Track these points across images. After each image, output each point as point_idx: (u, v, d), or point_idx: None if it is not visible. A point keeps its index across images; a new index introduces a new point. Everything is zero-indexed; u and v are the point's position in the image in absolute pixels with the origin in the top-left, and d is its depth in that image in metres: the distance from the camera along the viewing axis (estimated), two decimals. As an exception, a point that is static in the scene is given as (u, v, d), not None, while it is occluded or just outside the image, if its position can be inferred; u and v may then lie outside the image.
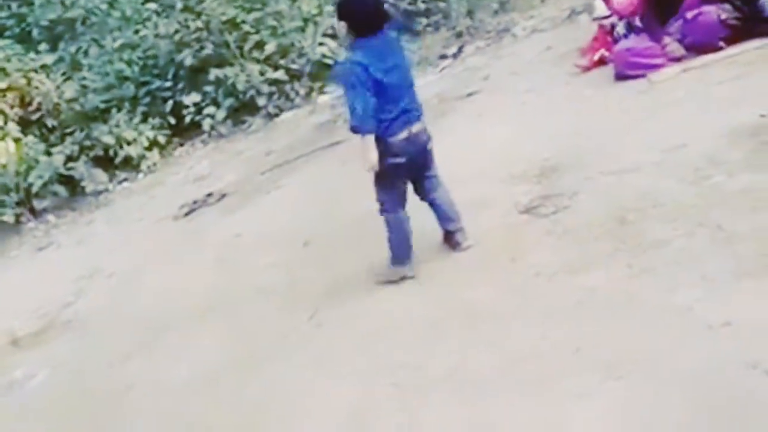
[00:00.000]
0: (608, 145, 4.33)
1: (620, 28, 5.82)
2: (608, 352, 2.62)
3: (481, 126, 5.70)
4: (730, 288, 2.69)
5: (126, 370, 4.10)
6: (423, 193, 3.78)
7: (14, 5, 11.25)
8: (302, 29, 9.12)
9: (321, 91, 9.20)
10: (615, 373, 2.49)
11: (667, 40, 5.23)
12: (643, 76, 5.18)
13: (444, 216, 3.80)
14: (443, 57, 8.66)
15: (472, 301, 3.34)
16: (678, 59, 5.16)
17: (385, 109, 3.35)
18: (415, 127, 3.49)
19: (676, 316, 2.65)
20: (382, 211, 3.72)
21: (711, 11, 5.02)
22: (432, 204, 3.80)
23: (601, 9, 6.07)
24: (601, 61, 5.85)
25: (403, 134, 3.44)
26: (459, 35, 9.06)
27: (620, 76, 5.36)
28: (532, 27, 8.38)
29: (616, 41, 5.75)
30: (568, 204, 3.85)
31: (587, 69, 5.94)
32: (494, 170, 4.62)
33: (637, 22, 5.66)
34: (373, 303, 3.71)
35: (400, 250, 3.75)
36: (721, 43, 5.02)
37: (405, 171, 3.59)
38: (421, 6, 10.03)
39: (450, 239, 3.85)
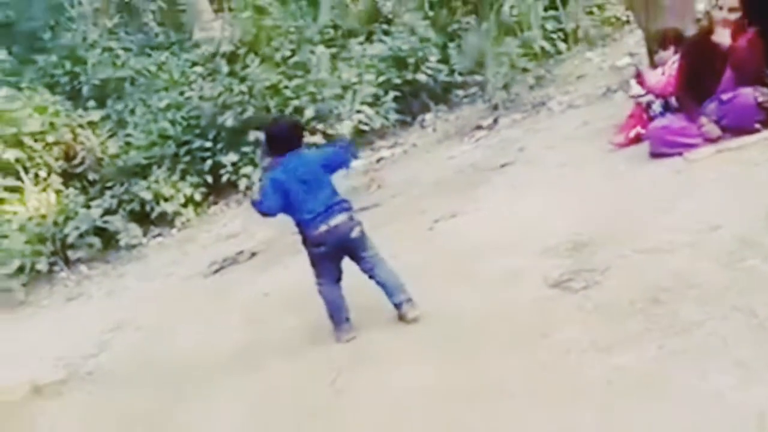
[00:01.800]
0: (642, 223, 4.28)
1: (656, 107, 5.85)
2: (637, 437, 2.52)
3: (514, 198, 5.70)
4: (764, 375, 2.59)
5: (146, 427, 4.06)
6: (364, 271, 4.19)
7: (68, 64, 11.75)
8: (341, 96, 9.34)
9: (355, 156, 9.34)
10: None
11: (703, 120, 5.23)
12: (678, 154, 5.16)
13: (387, 291, 4.14)
14: (479, 128, 8.76)
15: (500, 376, 3.26)
16: (714, 140, 5.14)
17: (304, 210, 4.02)
18: (335, 220, 4.03)
19: (707, 402, 2.55)
20: (318, 284, 4.27)
21: (748, 93, 5.01)
22: (374, 281, 4.17)
23: (638, 87, 6.11)
24: (637, 139, 5.85)
25: (322, 228, 4.02)
26: (495, 108, 9.18)
27: (655, 154, 5.34)
28: (568, 102, 8.47)
29: (652, 119, 5.77)
30: (600, 280, 3.79)
31: (622, 146, 5.95)
32: (526, 242, 4.58)
33: (674, 102, 5.67)
34: (396, 371, 3.65)
35: (336, 317, 4.25)
36: (758, 126, 5.00)
37: (329, 256, 4.14)
38: (458, 78, 10.22)
39: (398, 311, 4.14)
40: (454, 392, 3.26)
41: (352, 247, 4.11)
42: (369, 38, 11.14)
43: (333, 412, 3.50)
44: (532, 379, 3.13)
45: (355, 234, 4.07)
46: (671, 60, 5.75)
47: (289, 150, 4.12)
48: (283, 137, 4.18)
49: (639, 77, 6.07)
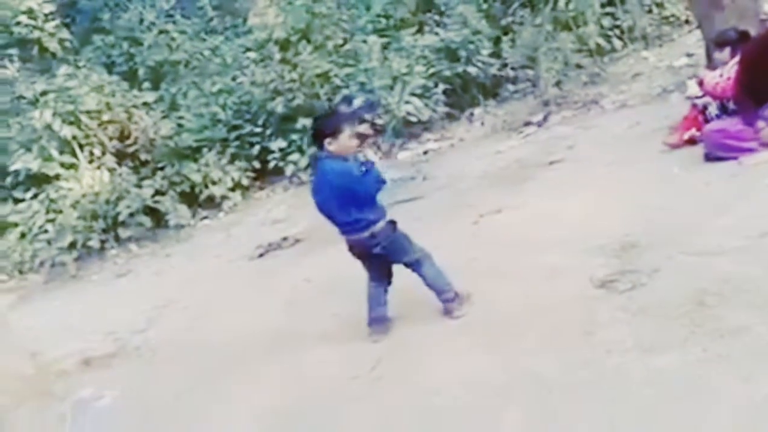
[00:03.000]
0: (692, 226, 4.21)
1: (713, 109, 5.72)
2: (678, 440, 2.51)
3: (562, 195, 5.65)
4: (811, 384, 2.55)
5: (190, 403, 4.17)
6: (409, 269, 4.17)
7: (125, 45, 12.02)
8: (390, 87, 9.35)
9: (402, 148, 9.36)
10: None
11: (761, 124, 5.10)
12: (733, 158, 5.06)
13: (434, 289, 4.14)
14: (528, 124, 8.68)
15: (540, 372, 3.26)
16: (771, 145, 5.02)
17: (333, 216, 4.05)
18: (353, 238, 4.05)
19: (750, 408, 2.52)
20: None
21: (809, 99, 4.88)
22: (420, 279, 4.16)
23: (694, 89, 5.98)
24: (691, 141, 5.74)
25: (346, 237, 4.10)
26: (546, 104, 9.09)
27: (710, 157, 5.24)
28: (622, 102, 8.33)
29: (707, 121, 5.65)
30: (646, 281, 3.74)
31: (676, 147, 5.84)
32: (572, 241, 4.55)
33: (731, 105, 5.54)
34: (436, 362, 3.68)
35: (368, 313, 4.29)
36: (818, 133, 4.86)
37: (362, 260, 4.21)
38: (510, 72, 10.13)
39: (444, 308, 4.16)
40: (492, 385, 3.28)
41: (380, 258, 4.10)
42: (421, 29, 11.10)
43: (370, 398, 3.54)
44: (571, 376, 3.13)
45: (378, 250, 4.02)
46: (731, 62, 5.62)
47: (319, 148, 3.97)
48: (311, 129, 4.07)
49: (697, 78, 5.95)
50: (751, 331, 2.99)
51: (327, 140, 3.86)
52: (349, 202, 3.92)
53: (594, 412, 2.83)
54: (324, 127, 3.90)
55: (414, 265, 4.11)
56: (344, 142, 3.86)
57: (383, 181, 3.97)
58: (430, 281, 4.11)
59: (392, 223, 4.06)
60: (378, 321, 4.25)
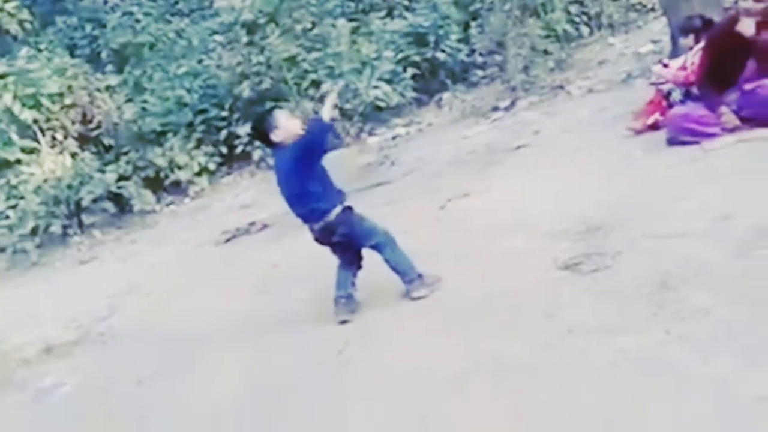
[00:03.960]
0: (655, 209, 4.26)
1: (676, 94, 5.78)
2: (636, 421, 2.53)
3: (528, 180, 5.69)
4: (767, 362, 2.59)
5: (153, 388, 4.12)
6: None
7: (88, 27, 11.77)
8: (359, 71, 9.30)
9: (371, 133, 9.33)
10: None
11: (723, 109, 5.17)
12: (695, 143, 5.12)
13: (397, 272, 4.16)
14: (496, 109, 8.71)
15: (503, 354, 3.27)
16: (733, 130, 5.08)
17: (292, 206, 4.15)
18: (316, 226, 4.09)
19: (710, 387, 2.55)
20: None
21: (770, 85, 4.96)
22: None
23: (659, 74, 6.04)
24: (655, 126, 5.80)
25: (307, 225, 4.15)
26: (513, 89, 9.12)
27: (673, 142, 5.30)
28: (588, 87, 8.39)
29: (671, 107, 5.71)
30: (610, 264, 3.78)
31: (640, 132, 5.90)
32: (537, 224, 4.58)
33: (694, 90, 5.61)
34: (403, 345, 3.68)
35: (334, 294, 4.29)
36: (779, 117, 4.94)
37: (325, 245, 4.24)
38: (478, 58, 10.14)
39: (406, 289, 4.17)
40: (457, 368, 3.28)
41: (343, 244, 4.17)
42: (390, 13, 11.06)
43: (337, 383, 3.53)
44: (535, 358, 3.14)
45: (337, 238, 4.11)
46: (695, 48, 5.68)
47: (271, 146, 4.13)
48: (254, 136, 4.34)
49: (661, 64, 6.01)
50: (712, 312, 3.03)
51: (272, 134, 4.00)
52: (305, 180, 3.97)
53: (557, 393, 2.85)
54: (264, 124, 4.06)
55: (377, 248, 4.13)
56: (287, 126, 4.01)
57: (328, 127, 4.09)
58: (393, 264, 4.14)
59: (348, 209, 4.07)
60: (344, 300, 4.24)
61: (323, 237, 4.14)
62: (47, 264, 8.13)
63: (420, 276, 4.15)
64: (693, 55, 5.68)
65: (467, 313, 3.78)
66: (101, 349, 5.01)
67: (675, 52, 6.56)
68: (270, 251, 6.00)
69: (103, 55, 11.30)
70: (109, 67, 10.80)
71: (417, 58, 9.98)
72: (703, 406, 2.47)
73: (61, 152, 9.11)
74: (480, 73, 10.15)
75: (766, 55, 5.07)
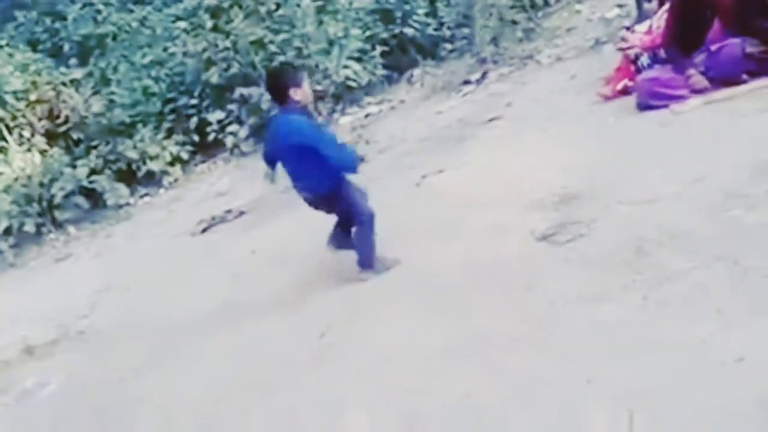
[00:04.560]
0: (628, 175, 4.29)
1: (644, 59, 5.80)
2: (619, 385, 2.56)
3: (501, 152, 5.68)
4: (745, 323, 2.62)
5: (137, 384, 4.10)
6: None
7: (48, 20, 11.50)
8: (327, 51, 9.21)
9: (343, 113, 9.27)
10: (626, 407, 2.44)
11: (691, 71, 5.19)
12: (665, 106, 5.14)
13: (356, 251, 4.32)
14: (467, 82, 8.67)
15: (486, 328, 3.29)
16: (701, 91, 5.11)
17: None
18: (305, 195, 4.21)
19: (690, 351, 2.59)
20: None
21: (736, 44, 4.98)
22: None
23: (626, 39, 6.05)
24: (624, 91, 5.82)
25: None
26: (483, 61, 9.07)
27: (643, 106, 5.32)
28: (557, 55, 8.38)
29: (639, 71, 5.73)
30: (586, 232, 3.80)
31: (610, 98, 5.91)
32: (513, 197, 4.59)
33: (662, 53, 5.63)
34: (385, 325, 3.69)
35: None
36: (745, 77, 4.97)
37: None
38: (446, 32, 10.08)
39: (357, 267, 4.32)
40: (441, 345, 3.30)
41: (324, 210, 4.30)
42: (355, -10, 10.94)
43: (321, 367, 3.53)
44: (517, 331, 3.16)
45: (325, 209, 4.28)
46: (660, 11, 5.69)
47: (277, 100, 4.14)
48: (268, 84, 4.28)
49: (628, 29, 6.02)
50: (688, 275, 3.07)
51: (292, 90, 3.95)
52: (304, 157, 3.98)
53: (540, 363, 2.87)
54: (289, 77, 4.06)
55: (354, 222, 4.23)
56: (306, 89, 4.05)
57: (359, 159, 4.37)
58: (358, 242, 4.26)
59: (339, 184, 4.11)
60: (335, 240, 4.39)
61: (312, 205, 4.26)
62: (23, 264, 8.02)
63: (372, 266, 4.24)
64: (658, 19, 5.70)
65: (448, 289, 3.80)
66: (83, 348, 4.97)
67: (641, 17, 6.57)
68: (248, 238, 5.97)
69: (66, 48, 11.05)
70: (73, 60, 10.55)
71: (385, 35, 9.89)
72: (683, 370, 2.51)
73: (29, 150, 8.95)
74: (449, 46, 10.09)
75: (730, 15, 5.10)
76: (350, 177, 4.18)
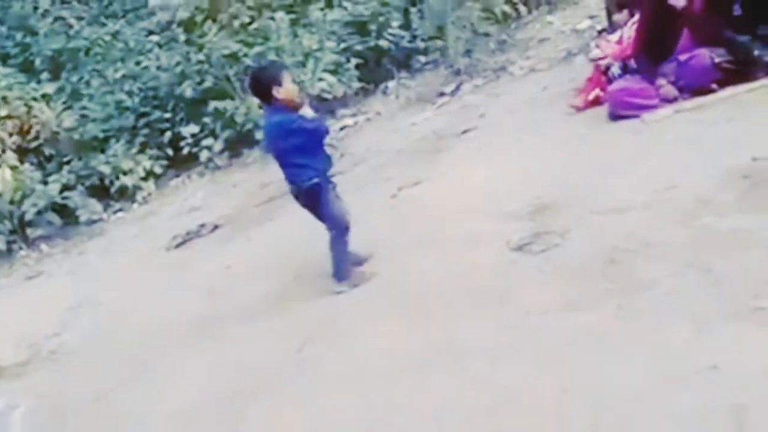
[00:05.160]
0: (600, 185, 4.33)
1: (615, 69, 5.87)
2: (596, 394, 2.57)
3: (476, 163, 5.71)
4: (718, 330, 2.65)
5: (111, 403, 4.02)
6: None
7: (19, 35, 11.35)
8: (302, 64, 9.20)
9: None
10: (602, 415, 2.45)
11: (661, 81, 5.28)
12: (636, 116, 5.21)
13: (331, 261, 4.32)
14: (441, 94, 8.72)
15: (461, 340, 3.29)
16: (671, 101, 5.20)
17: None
18: (290, 187, 4.25)
19: (664, 358, 2.61)
20: None
21: (704, 54, 5.07)
22: None
23: (597, 50, 6.13)
24: (596, 101, 5.89)
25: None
26: (457, 73, 9.14)
27: (614, 116, 5.39)
28: (530, 67, 8.46)
29: (610, 81, 5.80)
30: (560, 242, 3.83)
31: (582, 109, 5.98)
32: (487, 207, 4.61)
33: (632, 64, 5.70)
34: (363, 337, 3.67)
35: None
36: (714, 86, 5.06)
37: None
38: (420, 44, 10.13)
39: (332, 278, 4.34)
40: (418, 357, 3.28)
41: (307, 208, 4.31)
42: (329, 3, 10.94)
43: (298, 380, 3.50)
44: (493, 341, 3.16)
45: (303, 204, 4.29)
46: (630, 22, 5.77)
47: (261, 100, 4.23)
48: (251, 85, 4.26)
49: (599, 40, 6.09)
50: (661, 283, 3.10)
51: (274, 89, 3.96)
52: (290, 154, 4.08)
53: (515, 374, 2.87)
54: (268, 76, 4.03)
55: (329, 232, 4.25)
56: (289, 86, 4.02)
57: (325, 129, 4.29)
58: (333, 255, 4.27)
59: (319, 186, 4.14)
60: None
61: (298, 201, 4.30)
62: (-7, 282, 7.86)
63: (346, 278, 4.25)
64: (629, 29, 5.78)
65: (424, 300, 3.79)
66: (55, 367, 4.87)
67: (611, 28, 6.65)
68: (222, 253, 5.91)
69: (37, 63, 10.88)
70: (45, 75, 10.39)
71: (360, 48, 9.91)
72: (658, 378, 2.53)
73: (-1, 166, 8.81)
74: (423, 59, 10.14)
75: (699, 26, 5.19)
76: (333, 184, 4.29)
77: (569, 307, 3.20)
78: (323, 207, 4.20)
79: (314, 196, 4.17)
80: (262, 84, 4.04)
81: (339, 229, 4.20)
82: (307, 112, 4.09)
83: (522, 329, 3.19)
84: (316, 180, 4.12)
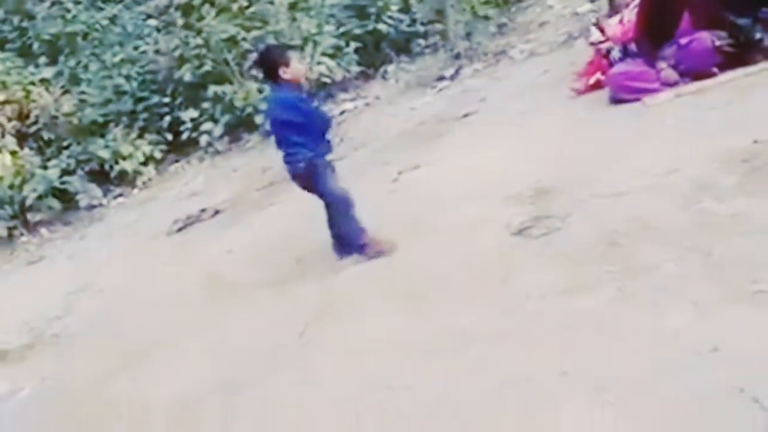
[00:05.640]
0: (601, 169, 4.33)
1: (616, 53, 5.85)
2: (596, 377, 2.59)
3: (477, 147, 5.71)
4: (718, 313, 2.67)
5: (113, 387, 4.04)
6: None
7: (16, 19, 11.30)
8: (301, 48, 9.16)
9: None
10: (601, 398, 2.47)
11: (661, 65, 5.26)
12: (637, 100, 5.21)
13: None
14: (441, 78, 8.70)
15: (462, 324, 3.30)
16: (672, 84, 5.19)
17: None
18: (288, 168, 4.29)
19: (665, 341, 2.63)
20: None
21: (705, 38, 5.06)
22: None
23: (597, 34, 6.10)
24: (597, 85, 5.87)
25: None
26: (457, 57, 9.11)
27: (615, 100, 5.38)
28: (530, 50, 8.44)
29: (611, 65, 5.78)
30: (560, 226, 3.84)
31: (583, 92, 5.97)
32: (488, 191, 4.61)
33: (633, 47, 5.68)
34: (364, 322, 3.68)
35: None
36: (715, 69, 5.05)
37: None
38: (420, 28, 10.10)
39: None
40: (419, 341, 3.30)
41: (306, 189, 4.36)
42: (328, -14, 10.89)
43: (302, 364, 3.52)
44: (494, 325, 3.18)
45: (299, 182, 4.34)
46: (632, 5, 5.74)
47: (270, 80, 4.24)
48: (258, 64, 4.46)
49: (599, 24, 6.07)
50: (661, 267, 3.10)
51: (281, 69, 4.03)
52: (287, 130, 4.15)
53: (516, 358, 2.89)
54: (276, 56, 4.12)
55: (327, 207, 4.32)
56: (296, 67, 4.10)
57: (328, 120, 4.39)
58: (345, 229, 4.32)
59: (314, 163, 4.18)
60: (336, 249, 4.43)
61: (294, 181, 4.36)
62: (-5, 267, 7.89)
63: (363, 247, 4.27)
64: (630, 12, 5.75)
65: (425, 284, 3.80)
66: (57, 351, 4.90)
67: (613, 11, 6.61)
68: (223, 237, 5.92)
69: (35, 47, 10.83)
70: (43, 60, 10.35)
71: (359, 31, 9.87)
72: (659, 361, 2.54)
73: (-1, 151, 8.79)
74: (423, 42, 10.11)
75: (700, 9, 5.17)
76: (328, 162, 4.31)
77: (569, 291, 3.21)
78: (321, 184, 4.24)
79: (310, 175, 4.22)
80: (270, 63, 4.12)
81: (342, 203, 4.24)
82: None
83: (522, 313, 3.20)
84: (310, 156, 4.16)
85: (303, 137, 4.14)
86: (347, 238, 4.32)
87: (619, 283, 3.11)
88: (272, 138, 4.47)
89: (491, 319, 3.24)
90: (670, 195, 3.68)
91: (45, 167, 8.63)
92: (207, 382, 3.67)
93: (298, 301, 4.17)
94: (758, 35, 4.98)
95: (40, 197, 8.35)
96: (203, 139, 8.94)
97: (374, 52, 10.13)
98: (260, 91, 8.85)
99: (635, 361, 2.60)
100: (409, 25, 10.10)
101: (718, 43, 5.02)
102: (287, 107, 4.13)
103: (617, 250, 3.38)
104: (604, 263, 3.30)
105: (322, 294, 4.16)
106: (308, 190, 4.37)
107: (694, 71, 5.14)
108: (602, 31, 5.89)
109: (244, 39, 9.27)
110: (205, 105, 9.07)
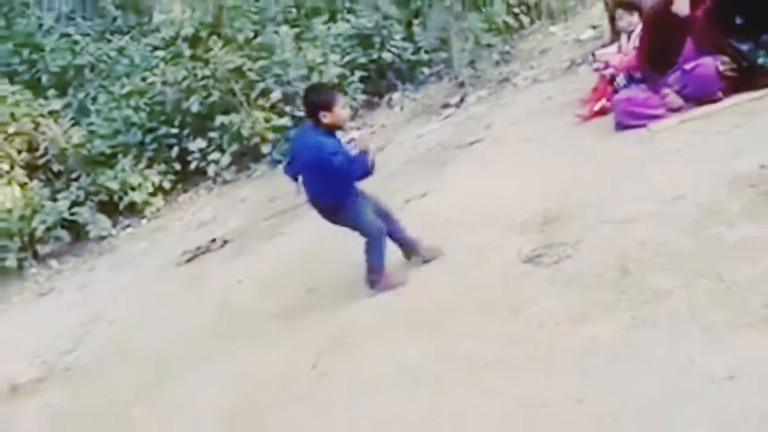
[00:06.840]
0: (609, 195, 4.35)
1: (620, 79, 5.90)
2: (611, 404, 2.60)
3: (484, 175, 5.73)
4: (731, 339, 2.68)
5: (125, 419, 4.06)
6: None
7: (25, 52, 11.45)
8: (307, 77, 9.26)
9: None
10: (617, 426, 2.47)
11: (666, 90, 5.31)
12: (643, 126, 5.24)
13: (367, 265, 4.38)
14: (446, 106, 8.77)
15: (475, 352, 3.31)
16: (677, 110, 5.22)
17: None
18: (317, 207, 4.32)
19: (679, 368, 2.63)
20: None
21: (709, 63, 5.10)
22: None
23: (600, 60, 6.16)
24: (602, 111, 5.91)
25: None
26: (461, 85, 9.19)
27: (620, 126, 5.41)
28: (533, 77, 8.51)
29: (616, 91, 5.83)
30: (571, 253, 3.85)
31: (588, 119, 6.00)
32: (496, 219, 4.63)
33: (637, 73, 5.74)
34: (376, 352, 3.69)
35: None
36: (720, 94, 5.09)
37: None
38: (424, 56, 10.19)
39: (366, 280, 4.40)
40: (433, 369, 3.32)
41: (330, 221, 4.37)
42: (333, 17, 11.03)
43: (316, 395, 3.53)
44: (507, 353, 3.19)
45: (323, 215, 4.35)
46: (635, 32, 5.80)
47: (309, 117, 4.15)
48: (303, 102, 4.26)
49: (593, 56, 6.15)
50: (673, 294, 3.12)
51: (322, 113, 3.97)
52: (316, 176, 4.13)
53: (531, 385, 2.90)
54: (320, 100, 4.02)
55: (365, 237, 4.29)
56: (338, 113, 4.02)
57: (368, 171, 4.12)
58: (368, 257, 4.30)
59: (345, 204, 4.20)
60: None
61: (321, 215, 4.35)
62: (5, 299, 7.89)
63: (378, 281, 4.28)
64: (634, 39, 5.81)
65: (436, 313, 3.82)
66: (69, 383, 4.91)
67: (615, 36, 6.69)
68: (233, 267, 5.94)
69: (44, 79, 10.99)
70: (51, 92, 10.47)
71: (364, 60, 9.97)
72: (674, 388, 2.55)
73: (9, 183, 8.85)
74: (427, 70, 10.20)
75: (703, 34, 5.21)
76: (363, 194, 4.33)
77: (582, 318, 3.23)
78: (352, 220, 4.25)
79: (336, 211, 4.24)
80: (311, 105, 4.06)
81: (373, 236, 4.27)
82: (353, 138, 4.23)
83: (535, 341, 3.21)
84: (338, 199, 4.18)
85: (330, 183, 4.11)
86: (368, 267, 4.32)
87: (632, 310, 3.13)
88: (281, 167, 4.46)
89: (504, 347, 3.25)
90: (679, 220, 3.70)
91: (54, 199, 8.68)
92: (219, 416, 3.68)
93: (309, 332, 4.19)
94: (761, 60, 5.03)
95: (49, 229, 8.38)
96: (211, 169, 9.01)
97: (379, 81, 10.23)
98: (267, 120, 8.95)
99: (651, 388, 2.60)
100: (413, 54, 10.20)
101: (722, 68, 5.07)
102: (316, 158, 4.02)
103: (628, 276, 3.39)
104: (616, 290, 3.32)
105: (333, 324, 4.17)
106: (329, 222, 4.36)
107: (698, 96, 5.17)
108: (606, 67, 5.94)
109: (250, 69, 9.38)
110: (213, 135, 9.15)
